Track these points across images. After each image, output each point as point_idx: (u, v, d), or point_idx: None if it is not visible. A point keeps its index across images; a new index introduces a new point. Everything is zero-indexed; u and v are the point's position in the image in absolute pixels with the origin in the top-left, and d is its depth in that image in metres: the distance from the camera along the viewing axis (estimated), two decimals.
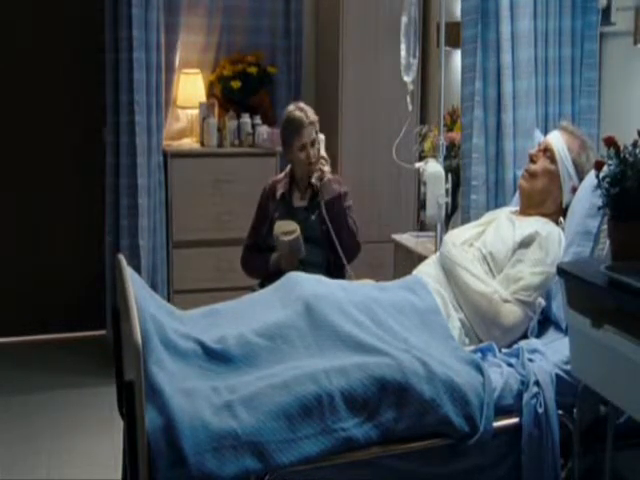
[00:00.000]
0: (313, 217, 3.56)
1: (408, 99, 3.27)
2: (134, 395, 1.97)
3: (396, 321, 2.57)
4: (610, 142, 2.14)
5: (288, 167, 3.71)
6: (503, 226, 2.89)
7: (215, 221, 4.62)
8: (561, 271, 2.17)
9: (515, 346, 2.60)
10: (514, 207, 3.08)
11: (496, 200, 3.31)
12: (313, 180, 3.53)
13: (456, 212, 3.65)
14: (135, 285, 2.32)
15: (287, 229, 3.46)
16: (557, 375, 2.43)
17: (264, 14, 4.87)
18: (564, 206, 2.89)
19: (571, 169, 2.89)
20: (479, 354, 2.56)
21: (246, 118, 4.70)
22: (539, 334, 2.70)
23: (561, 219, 2.88)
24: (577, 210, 2.72)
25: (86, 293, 4.80)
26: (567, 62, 3.27)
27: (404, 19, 3.22)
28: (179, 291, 4.58)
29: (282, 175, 3.73)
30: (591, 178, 2.42)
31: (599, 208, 2.26)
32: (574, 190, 2.84)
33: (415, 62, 3.23)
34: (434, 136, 3.85)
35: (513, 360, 2.49)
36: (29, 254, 4.79)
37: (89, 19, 4.55)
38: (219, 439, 2.07)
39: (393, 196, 4.79)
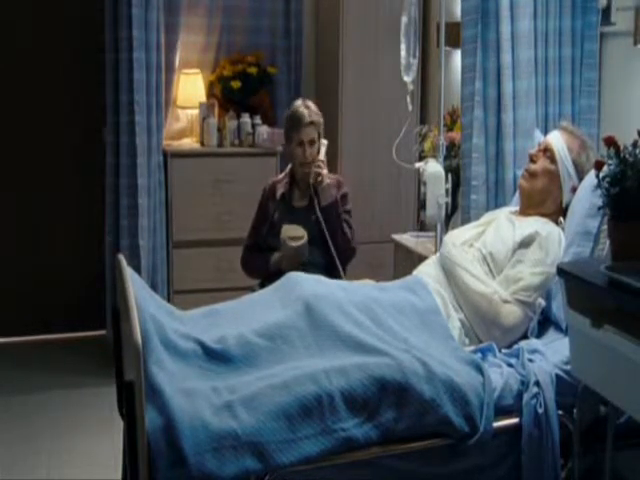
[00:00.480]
0: (313, 218, 3.56)
1: (408, 99, 3.27)
2: (134, 395, 1.97)
3: (396, 321, 2.57)
4: (610, 142, 2.14)
5: (288, 167, 3.71)
6: (503, 226, 2.89)
7: (215, 221, 4.61)
8: (561, 271, 2.17)
9: (515, 346, 2.60)
10: (514, 207, 3.08)
11: (496, 200, 3.31)
12: (310, 180, 3.53)
13: (456, 212, 3.65)
14: (135, 285, 2.32)
15: (295, 234, 3.46)
16: (557, 375, 2.43)
17: (264, 14, 4.87)
18: (564, 206, 2.89)
19: (571, 169, 2.89)
20: (479, 354, 2.56)
21: (246, 118, 4.70)
22: (539, 334, 2.70)
23: (561, 219, 2.88)
24: (577, 210, 2.72)
25: (86, 293, 4.79)
26: (567, 62, 3.27)
27: (404, 19, 3.23)
28: (179, 291, 4.58)
29: (282, 175, 3.73)
30: (591, 178, 2.42)
31: (599, 208, 2.26)
32: (574, 190, 2.84)
33: (415, 62, 3.23)
34: (434, 136, 3.85)
35: (513, 360, 2.49)
36: (29, 254, 4.78)
37: (89, 19, 4.55)
38: (219, 439, 2.07)
39: (393, 196, 4.79)
